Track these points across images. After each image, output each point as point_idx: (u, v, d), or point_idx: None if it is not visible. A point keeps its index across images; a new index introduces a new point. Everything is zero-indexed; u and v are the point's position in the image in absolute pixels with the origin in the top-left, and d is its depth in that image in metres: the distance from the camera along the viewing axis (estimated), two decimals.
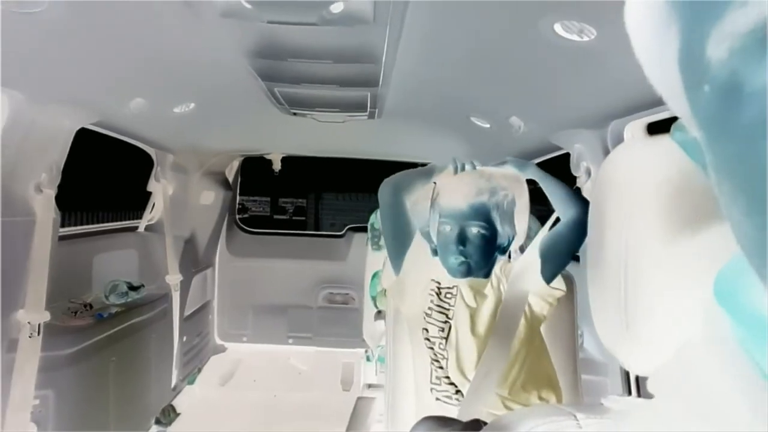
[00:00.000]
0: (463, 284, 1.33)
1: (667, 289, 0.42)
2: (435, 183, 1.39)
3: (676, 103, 0.28)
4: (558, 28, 1.07)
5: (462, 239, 1.28)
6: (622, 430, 0.42)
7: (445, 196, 1.32)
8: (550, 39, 1.12)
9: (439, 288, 1.34)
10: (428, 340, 1.31)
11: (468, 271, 1.31)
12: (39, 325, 1.61)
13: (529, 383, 1.28)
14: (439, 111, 2.07)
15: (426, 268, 1.36)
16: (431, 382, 1.28)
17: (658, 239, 0.43)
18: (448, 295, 1.33)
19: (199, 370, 3.29)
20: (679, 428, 0.35)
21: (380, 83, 1.54)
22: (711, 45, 0.22)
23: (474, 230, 1.30)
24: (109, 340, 2.04)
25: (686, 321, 0.37)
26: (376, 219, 2.71)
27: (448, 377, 1.28)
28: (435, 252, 1.34)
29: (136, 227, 2.79)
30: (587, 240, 0.52)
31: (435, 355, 1.30)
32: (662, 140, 0.46)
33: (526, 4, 1.02)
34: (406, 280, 1.36)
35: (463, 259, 1.29)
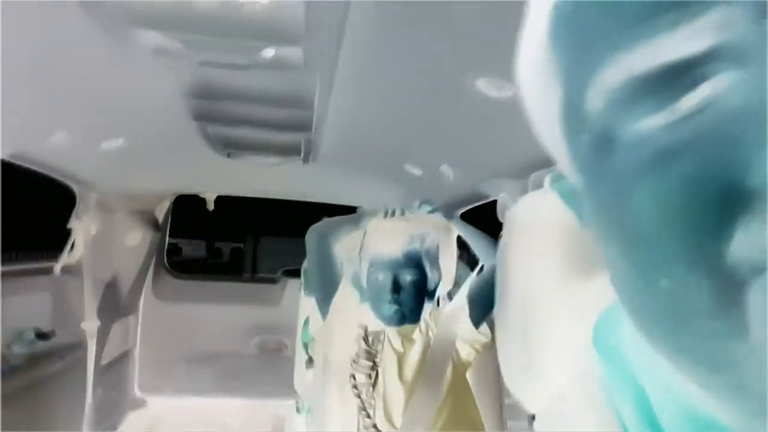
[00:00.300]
0: (391, 330, 1.33)
1: (559, 331, 0.44)
2: (365, 230, 1.41)
3: (558, 151, 0.29)
4: (480, 84, 1.15)
5: (396, 287, 1.29)
6: None
7: (376, 244, 1.33)
8: (473, 94, 1.19)
9: (366, 333, 1.33)
10: (355, 387, 1.29)
11: (402, 319, 1.32)
12: None
13: (456, 430, 1.28)
14: (373, 157, 2.13)
15: (353, 313, 1.35)
16: (360, 429, 1.25)
17: (547, 283, 0.46)
18: (375, 341, 1.32)
19: (114, 428, 3.01)
20: None
21: (313, 128, 1.57)
22: (588, 97, 0.23)
23: (407, 278, 1.31)
24: (12, 396, 1.84)
25: (568, 364, 0.40)
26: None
27: (375, 426, 1.25)
28: (363, 298, 1.34)
29: (51, 268, 2.59)
30: (495, 285, 0.55)
31: (362, 403, 1.27)
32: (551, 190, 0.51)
33: (450, 61, 1.09)
34: (334, 326, 1.35)
35: (397, 307, 1.29)
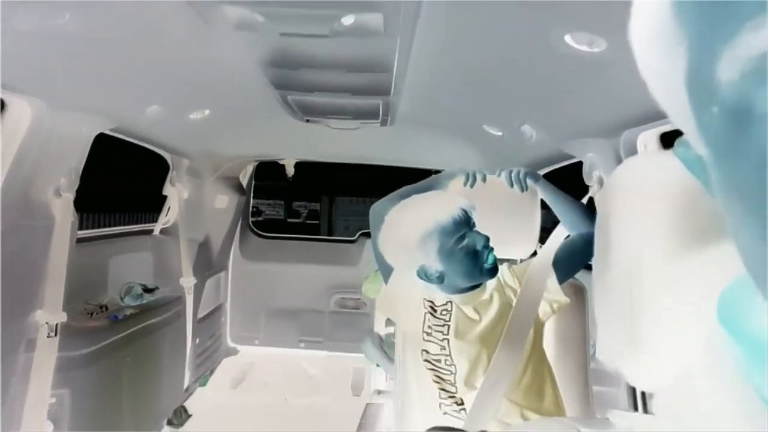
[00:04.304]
0: (459, 300, 1.31)
1: (672, 307, 0.41)
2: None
3: (682, 121, 0.27)
4: (569, 39, 1.07)
5: (485, 239, 1.25)
6: None
7: (447, 214, 1.24)
8: (561, 50, 1.12)
9: (433, 307, 1.33)
10: (428, 361, 1.30)
11: (497, 269, 1.29)
12: (56, 325, 1.65)
13: (541, 387, 1.28)
14: (451, 118, 2.08)
15: (415, 287, 1.35)
16: (439, 398, 1.28)
17: (662, 256, 0.42)
18: (444, 312, 1.32)
19: (211, 372, 3.32)
20: None
21: (392, 92, 1.55)
22: (721, 66, 0.21)
23: (474, 234, 1.28)
24: (124, 341, 2.08)
25: (690, 341, 0.37)
26: None
27: (453, 395, 1.27)
28: (441, 279, 1.26)
29: (152, 230, 2.83)
30: (594, 254, 0.52)
31: (439, 372, 1.29)
32: (669, 154, 0.46)
33: (536, 15, 1.02)
34: (397, 297, 1.37)
35: (493, 255, 1.26)
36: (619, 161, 1.62)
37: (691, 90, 0.24)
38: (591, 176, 1.73)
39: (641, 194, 0.46)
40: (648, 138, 1.58)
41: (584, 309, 1.50)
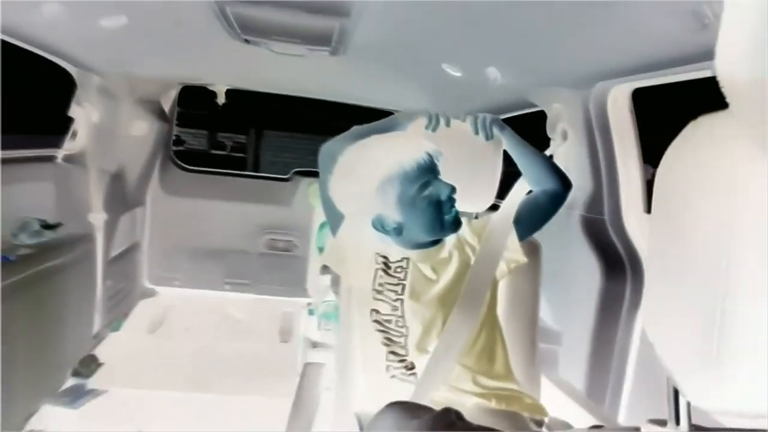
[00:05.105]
0: (416, 258, 1.21)
1: None
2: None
3: None
4: None
5: (451, 189, 1.14)
6: None
7: (411, 158, 1.12)
8: None
9: (386, 263, 1.21)
10: (378, 322, 1.19)
11: (459, 222, 1.19)
12: None
13: (492, 350, 1.22)
14: (408, 53, 1.89)
15: (367, 243, 1.22)
16: (387, 360, 1.18)
17: None
18: (398, 270, 1.21)
19: (126, 316, 3.06)
20: None
21: (352, 12, 1.34)
22: None
23: (442, 183, 1.15)
24: (18, 285, 1.78)
25: None
26: None
27: (403, 359, 1.18)
28: (399, 231, 1.15)
29: (54, 157, 2.44)
30: (651, 246, 0.43)
31: (389, 334, 1.19)
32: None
33: None
34: (347, 249, 1.24)
35: (455, 210, 1.16)
36: (587, 114, 1.54)
37: None
38: (555, 128, 1.65)
39: (748, 193, 0.37)
40: (619, 93, 1.51)
41: (538, 267, 1.45)
